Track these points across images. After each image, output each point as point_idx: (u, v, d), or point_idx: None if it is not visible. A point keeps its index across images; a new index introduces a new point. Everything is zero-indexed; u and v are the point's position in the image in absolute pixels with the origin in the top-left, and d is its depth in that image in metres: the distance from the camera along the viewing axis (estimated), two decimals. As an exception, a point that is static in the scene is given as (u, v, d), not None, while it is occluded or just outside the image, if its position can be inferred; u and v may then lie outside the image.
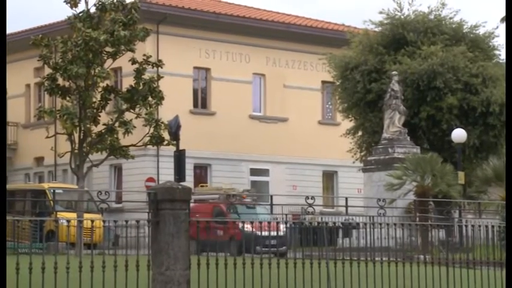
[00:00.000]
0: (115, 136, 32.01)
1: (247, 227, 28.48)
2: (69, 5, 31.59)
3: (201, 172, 52.94)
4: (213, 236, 26.43)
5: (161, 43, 47.70)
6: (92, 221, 23.01)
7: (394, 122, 44.86)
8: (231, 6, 61.60)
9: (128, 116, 32.36)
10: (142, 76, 32.04)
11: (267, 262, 15.15)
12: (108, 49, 31.71)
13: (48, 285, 11.84)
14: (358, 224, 29.48)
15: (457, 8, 51.98)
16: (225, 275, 13.83)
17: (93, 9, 31.88)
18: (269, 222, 26.68)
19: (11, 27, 33.76)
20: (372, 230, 25.62)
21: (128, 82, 33.28)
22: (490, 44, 51.19)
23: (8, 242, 20.86)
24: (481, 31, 51.30)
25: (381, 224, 27.36)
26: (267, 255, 19.59)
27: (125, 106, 32.30)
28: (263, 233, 21.57)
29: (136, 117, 32.38)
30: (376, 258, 18.54)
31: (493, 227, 27.45)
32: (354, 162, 50.16)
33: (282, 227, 29.57)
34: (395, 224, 28.12)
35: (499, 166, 44.98)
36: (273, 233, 24.50)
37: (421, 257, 21.45)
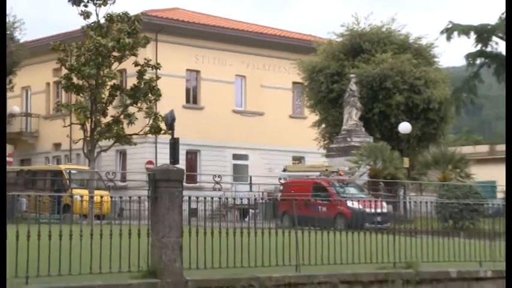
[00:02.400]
0: (120, 126, 32.93)
1: (354, 205, 28.06)
2: (82, 16, 32.52)
3: (192, 157, 53.58)
4: (314, 212, 27.03)
5: (159, 49, 48.04)
6: (101, 197, 24.20)
7: (352, 116, 46.25)
8: (218, 19, 62.33)
9: (131, 109, 33.30)
10: (144, 76, 33.08)
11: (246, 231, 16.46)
12: (115, 54, 32.40)
13: (65, 249, 12.65)
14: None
15: (404, 23, 53.14)
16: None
17: (102, 20, 32.58)
18: (375, 201, 27.17)
19: (33, 35, 34.51)
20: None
21: (131, 81, 33.99)
22: (431, 52, 52.20)
23: (31, 213, 22.62)
24: (424, 42, 52.43)
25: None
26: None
27: (128, 101, 33.29)
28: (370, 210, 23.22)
29: (138, 111, 33.34)
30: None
31: (431, 202, 29.62)
32: (318, 149, 51.44)
33: (384, 204, 29.62)
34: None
35: (437, 153, 47.01)
36: (379, 210, 23.78)
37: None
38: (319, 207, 25.41)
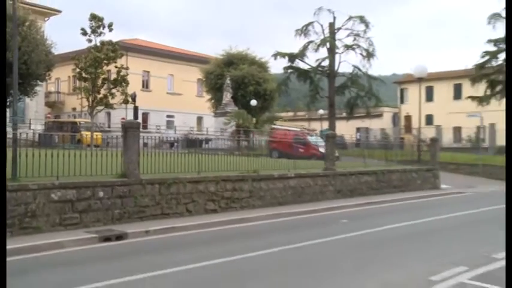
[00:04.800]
0: (108, 99, 31.81)
1: (323, 148, 28.31)
2: (87, 41, 31.45)
3: (145, 116, 51.92)
4: (294, 152, 27.06)
5: (128, 59, 45.07)
6: (96, 135, 24.48)
7: (227, 96, 46.04)
8: (160, 44, 61.22)
9: (113, 91, 32.20)
10: (120, 74, 32.00)
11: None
12: (105, 61, 31.35)
13: (77, 162, 12.75)
14: (211, 139, 31.74)
15: (254, 50, 54.36)
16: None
17: (98, 43, 31.39)
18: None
19: (61, 50, 34.12)
20: (218, 141, 28.21)
21: (113, 76, 32.69)
22: (267, 65, 51.75)
23: (59, 143, 22.45)
24: (263, 59, 51.95)
25: (223, 138, 29.63)
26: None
27: (112, 86, 32.14)
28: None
29: (117, 91, 32.27)
30: (220, 153, 18.90)
31: (265, 140, 30.15)
32: (210, 113, 50.74)
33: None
34: (226, 139, 30.60)
35: (269, 116, 48.32)
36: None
37: (236, 152, 21.03)
38: (299, 149, 25.31)
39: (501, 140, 46.79)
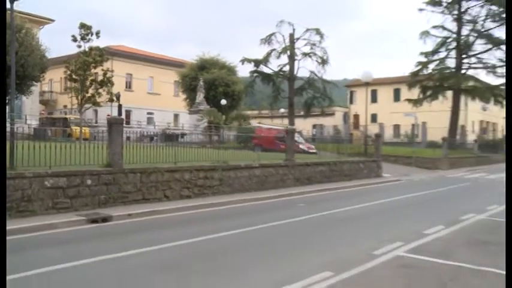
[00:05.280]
0: (95, 98, 31.05)
1: (302, 145, 28.26)
2: (77, 47, 30.84)
3: (128, 113, 51.15)
4: (277, 147, 26.57)
5: (114, 63, 45.35)
6: (85, 130, 24.05)
7: (200, 96, 45.39)
8: (141, 51, 60.28)
9: (100, 91, 31.38)
10: (106, 75, 31.31)
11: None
12: (93, 65, 30.73)
13: (67, 153, 12.61)
14: (186, 133, 31.34)
15: (224, 56, 53.97)
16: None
17: (87, 49, 30.76)
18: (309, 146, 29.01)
19: (55, 54, 33.40)
20: (192, 135, 27.89)
21: (100, 78, 31.81)
22: (236, 69, 51.63)
23: (52, 137, 22.05)
24: (232, 64, 51.71)
25: (197, 133, 29.19)
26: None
27: (99, 87, 31.31)
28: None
29: (103, 91, 31.48)
30: (194, 146, 18.76)
31: (234, 135, 29.87)
32: (187, 111, 49.67)
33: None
34: (199, 133, 30.29)
35: (237, 114, 48.00)
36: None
37: (208, 145, 21.37)
38: (281, 145, 24.23)
39: (431, 136, 47.83)
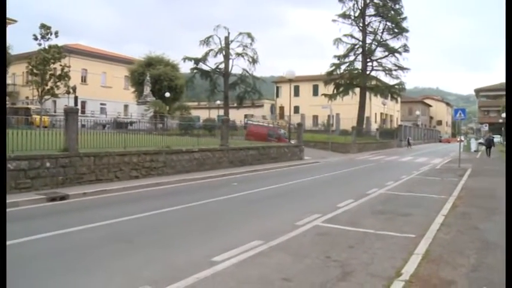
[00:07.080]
0: (54, 90, 29.85)
1: (292, 141, 27.18)
2: (38, 45, 29.36)
3: (83, 104, 49.37)
4: (268, 141, 25.49)
5: (71, 59, 43.14)
6: (45, 118, 22.80)
7: (147, 89, 44.08)
8: (97, 49, 58.16)
9: (58, 84, 30.12)
10: (64, 70, 30.09)
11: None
12: (52, 60, 29.45)
13: (29, 138, 12.13)
14: (134, 122, 30.34)
15: (167, 53, 52.66)
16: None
17: (47, 46, 29.38)
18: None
19: (17, 51, 31.91)
20: (140, 123, 27.01)
21: (58, 72, 30.20)
22: (178, 66, 49.93)
23: (16, 125, 20.94)
24: (175, 62, 50.20)
25: (144, 122, 28.33)
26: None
27: (57, 80, 30.01)
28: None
29: (61, 84, 30.22)
30: (141, 133, 18.50)
31: (177, 123, 29.05)
32: (135, 102, 47.88)
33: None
34: (147, 122, 29.41)
35: (179, 105, 47.22)
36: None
37: (154, 132, 21.00)
38: (271, 140, 23.86)
39: (343, 125, 49.29)
